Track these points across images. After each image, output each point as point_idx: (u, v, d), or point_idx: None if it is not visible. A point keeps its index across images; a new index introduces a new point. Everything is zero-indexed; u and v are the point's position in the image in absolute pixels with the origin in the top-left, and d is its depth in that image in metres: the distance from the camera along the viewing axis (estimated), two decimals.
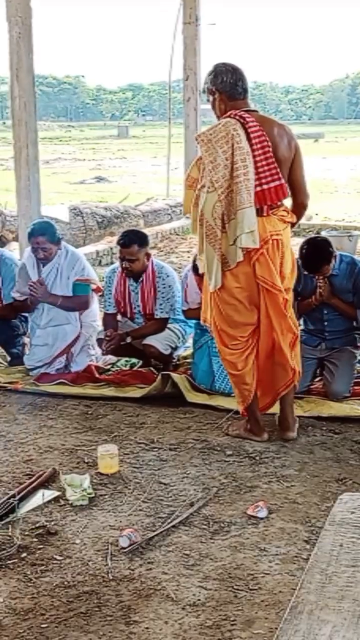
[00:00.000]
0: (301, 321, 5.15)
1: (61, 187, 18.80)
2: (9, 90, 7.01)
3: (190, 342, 5.37)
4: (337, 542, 2.18)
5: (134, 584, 2.92)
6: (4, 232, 10.78)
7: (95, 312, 5.49)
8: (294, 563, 3.02)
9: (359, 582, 1.98)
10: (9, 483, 3.73)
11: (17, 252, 7.24)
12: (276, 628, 1.92)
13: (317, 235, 6.34)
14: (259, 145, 3.86)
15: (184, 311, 5.12)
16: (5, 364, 5.59)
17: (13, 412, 4.72)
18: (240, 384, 4.17)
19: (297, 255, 4.91)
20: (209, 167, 3.83)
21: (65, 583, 2.94)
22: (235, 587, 2.89)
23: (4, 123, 56.58)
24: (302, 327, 5.16)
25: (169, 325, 5.28)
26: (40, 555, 3.13)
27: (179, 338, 5.35)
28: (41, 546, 3.19)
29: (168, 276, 5.26)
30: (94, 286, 5.36)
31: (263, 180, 3.88)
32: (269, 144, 3.89)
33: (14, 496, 3.50)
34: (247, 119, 3.86)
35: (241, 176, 3.81)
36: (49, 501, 3.54)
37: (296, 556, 3.07)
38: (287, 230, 4.09)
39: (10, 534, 3.26)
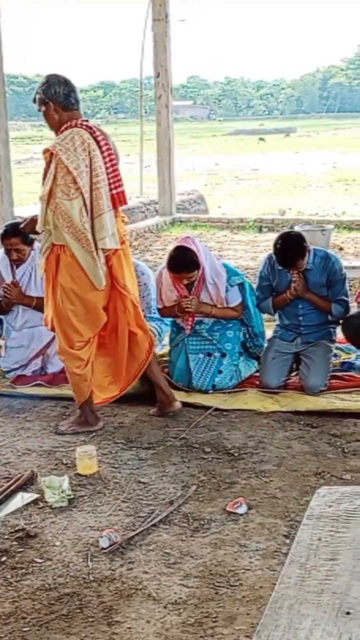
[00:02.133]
0: (276, 316, 5.18)
1: (34, 187, 18.57)
2: None
3: (166, 340, 5.37)
4: (316, 536, 2.20)
5: (115, 584, 2.92)
6: None
7: None
8: (274, 558, 3.03)
9: (338, 575, 2.00)
10: None
11: None
12: (258, 623, 1.93)
13: (290, 230, 6.36)
14: (106, 153, 4.13)
15: (159, 309, 5.12)
16: None
17: None
18: (82, 382, 4.33)
19: (271, 250, 4.94)
20: (75, 174, 4.00)
21: (46, 586, 2.93)
22: (216, 584, 2.89)
23: None
24: (277, 322, 5.19)
25: None
26: (20, 558, 3.11)
27: (156, 336, 5.34)
28: (21, 549, 3.18)
29: (143, 274, 5.25)
30: None
31: (112, 186, 4.15)
32: (113, 151, 4.16)
33: None
34: (93, 128, 4.11)
35: (101, 182, 4.08)
36: (28, 504, 3.53)
37: (276, 551, 3.09)
38: (125, 231, 4.43)
39: None
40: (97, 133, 4.12)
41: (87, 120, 4.18)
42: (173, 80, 12.14)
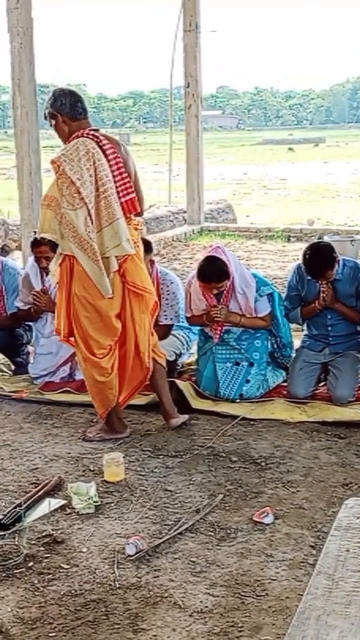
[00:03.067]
0: (305, 326, 5.16)
1: None
2: (10, 99, 7.05)
3: (194, 348, 5.38)
4: (344, 547, 2.18)
5: (141, 592, 2.92)
6: (7, 241, 10.82)
7: None
8: (301, 569, 3.02)
9: None
10: (15, 492, 3.74)
11: (20, 261, 7.27)
12: (283, 634, 1.93)
13: (319, 240, 6.34)
14: (113, 162, 4.13)
15: (187, 318, 5.13)
16: (10, 373, 5.60)
17: (18, 421, 4.73)
18: (107, 390, 4.33)
19: (300, 260, 4.94)
20: (78, 184, 4.02)
21: (73, 592, 2.94)
22: (242, 593, 2.89)
23: (6, 132, 56.69)
24: (305, 332, 5.18)
25: (173, 332, 5.29)
26: (47, 564, 3.13)
27: (183, 345, 5.36)
28: (48, 555, 3.19)
29: (172, 283, 5.26)
30: None
31: (120, 194, 4.15)
32: (121, 160, 4.15)
33: (20, 505, 3.50)
34: (100, 137, 4.12)
35: (108, 190, 4.08)
36: (55, 510, 3.55)
37: (303, 562, 3.07)
38: (139, 237, 4.38)
39: (17, 543, 3.26)
40: (104, 142, 4.12)
41: (96, 130, 4.21)
42: (203, 90, 12.19)
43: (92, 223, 4.05)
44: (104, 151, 4.11)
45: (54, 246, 5.17)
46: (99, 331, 4.25)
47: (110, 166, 4.11)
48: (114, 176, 4.12)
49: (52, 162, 4.11)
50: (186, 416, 4.53)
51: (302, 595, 2.09)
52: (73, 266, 4.16)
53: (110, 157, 4.12)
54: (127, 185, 4.17)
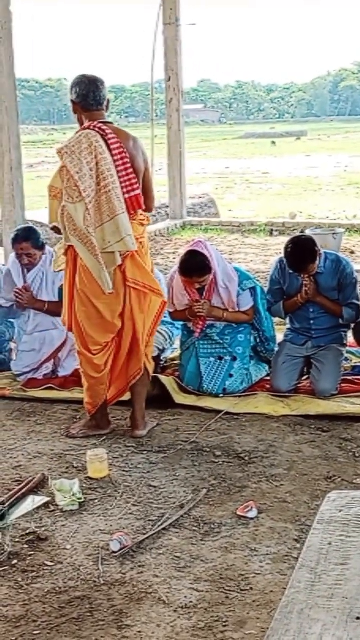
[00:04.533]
0: (287, 320, 5.17)
1: (45, 191, 18.75)
2: None
3: (177, 343, 5.37)
4: (326, 541, 2.19)
5: (126, 588, 2.92)
6: None
7: None
8: (285, 562, 3.03)
9: (348, 580, 1.99)
10: None
11: (2, 258, 7.23)
12: (268, 628, 1.93)
13: (301, 234, 6.35)
14: (119, 157, 4.05)
15: (170, 313, 5.12)
16: None
17: (1, 418, 4.71)
18: (99, 385, 4.32)
19: (282, 254, 4.94)
20: (76, 178, 3.96)
21: (57, 589, 2.93)
22: (226, 588, 2.89)
23: None
24: (288, 325, 5.19)
25: None
26: (31, 561, 3.12)
27: (167, 340, 5.35)
28: (32, 552, 3.18)
29: (155, 278, 5.24)
30: None
31: (124, 190, 4.07)
32: (127, 155, 4.07)
33: (3, 503, 3.49)
34: (106, 131, 4.04)
35: (110, 185, 4.00)
36: (39, 507, 3.54)
37: (287, 555, 3.08)
38: (145, 233, 4.34)
39: (0, 541, 3.25)
40: (110, 136, 4.02)
41: (109, 123, 4.13)
42: (184, 84, 12.17)
43: (90, 217, 3.99)
44: (108, 145, 4.02)
45: (35, 242, 5.16)
46: (96, 327, 4.22)
47: (115, 161, 4.02)
48: (118, 171, 4.03)
49: (57, 152, 4.09)
50: (154, 422, 4.47)
51: (286, 589, 2.10)
52: (76, 258, 4.13)
53: (115, 151, 4.03)
54: (133, 181, 4.08)
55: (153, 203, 4.38)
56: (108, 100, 4.22)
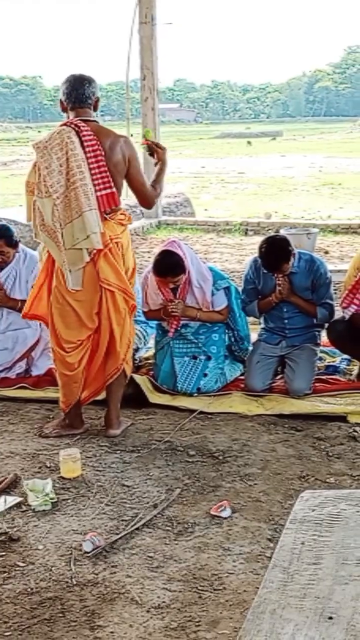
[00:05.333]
0: (262, 319, 5.18)
1: (19, 189, 18.65)
2: None
3: (151, 343, 5.36)
4: (299, 540, 2.19)
5: (98, 588, 2.90)
6: None
7: None
8: (258, 562, 3.03)
9: (321, 579, 1.99)
10: None
11: None
12: (241, 628, 1.93)
13: (276, 234, 6.37)
14: (92, 154, 4.04)
15: (144, 312, 5.10)
16: None
17: None
18: (72, 383, 4.31)
19: (256, 254, 4.95)
20: (44, 173, 3.99)
21: (29, 590, 2.91)
22: (199, 587, 2.88)
23: None
24: (262, 325, 5.20)
25: None
26: (2, 562, 3.09)
27: (141, 339, 5.33)
28: (3, 553, 3.15)
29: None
30: None
31: (96, 187, 4.06)
32: (102, 152, 4.06)
33: None
34: (82, 128, 4.04)
35: (78, 182, 3.99)
36: (11, 507, 3.50)
37: (260, 555, 3.08)
38: (125, 232, 4.28)
39: None
40: (85, 132, 4.02)
41: (92, 121, 4.11)
42: (159, 83, 12.16)
43: (57, 213, 3.98)
44: (82, 142, 4.01)
45: (9, 240, 5.12)
46: (69, 326, 4.20)
47: (87, 158, 4.01)
48: (90, 168, 4.02)
49: (32, 146, 4.11)
50: (128, 422, 4.45)
51: (259, 588, 2.09)
52: None
53: (89, 148, 4.02)
54: (105, 179, 4.05)
55: (148, 201, 4.35)
56: (97, 99, 4.21)
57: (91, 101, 4.16)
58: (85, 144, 4.02)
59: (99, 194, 4.05)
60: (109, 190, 4.09)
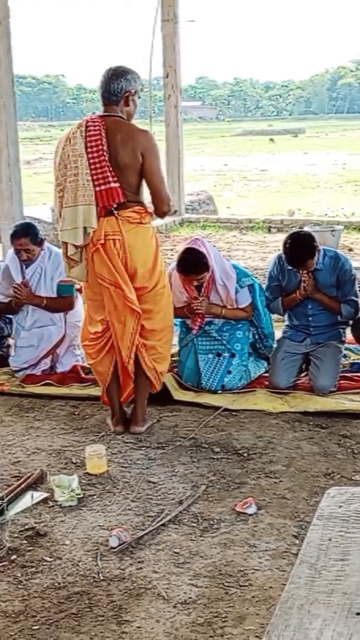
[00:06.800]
0: (286, 317, 5.17)
1: (43, 187, 18.70)
2: None
3: (175, 340, 5.37)
4: (326, 537, 2.19)
5: (125, 584, 2.92)
6: None
7: (80, 312, 5.46)
8: (284, 558, 3.03)
9: (348, 575, 1.99)
10: None
11: (0, 254, 7.21)
12: (267, 624, 1.93)
13: (300, 230, 6.35)
14: (94, 149, 4.05)
15: None
16: None
17: (0, 414, 4.71)
18: (97, 373, 4.43)
19: (280, 251, 4.94)
20: (54, 166, 4.16)
21: (56, 584, 2.93)
22: (225, 583, 2.89)
23: None
24: (286, 322, 5.19)
25: None
26: (30, 557, 3.12)
27: None
28: (31, 548, 3.18)
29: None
30: (78, 286, 5.34)
31: (96, 183, 4.06)
32: (104, 147, 4.05)
33: (2, 498, 3.49)
34: (90, 123, 4.09)
35: (71, 176, 4.05)
36: (38, 503, 3.54)
37: (286, 551, 3.08)
38: (136, 230, 4.20)
39: None
40: (91, 128, 4.05)
41: (112, 116, 4.12)
42: (182, 81, 12.15)
43: (59, 204, 4.13)
44: (86, 136, 4.05)
45: (34, 238, 5.16)
46: (95, 310, 4.34)
47: (88, 152, 4.03)
48: (90, 164, 4.03)
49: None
50: (154, 419, 4.46)
51: (285, 584, 2.10)
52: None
53: (90, 144, 4.04)
54: (107, 174, 4.03)
55: (163, 204, 4.28)
56: (128, 92, 4.15)
57: (117, 97, 4.14)
58: (88, 139, 4.05)
59: (97, 189, 4.05)
60: (110, 185, 4.04)
